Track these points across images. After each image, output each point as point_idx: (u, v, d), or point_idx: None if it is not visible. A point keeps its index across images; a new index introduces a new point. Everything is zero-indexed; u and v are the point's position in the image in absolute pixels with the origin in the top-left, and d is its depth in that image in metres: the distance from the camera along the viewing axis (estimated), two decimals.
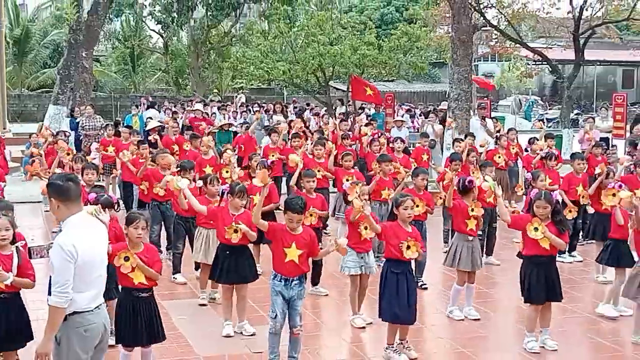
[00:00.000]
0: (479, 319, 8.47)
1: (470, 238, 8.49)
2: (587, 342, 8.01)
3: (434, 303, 9.32)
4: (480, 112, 18.01)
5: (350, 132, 15.92)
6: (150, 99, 28.92)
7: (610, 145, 17.08)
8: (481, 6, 25.15)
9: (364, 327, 8.16)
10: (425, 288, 9.53)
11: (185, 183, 8.20)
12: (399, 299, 7.11)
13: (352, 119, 20.42)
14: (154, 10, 40.15)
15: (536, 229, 7.27)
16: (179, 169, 9.69)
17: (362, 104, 26.26)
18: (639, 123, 16.30)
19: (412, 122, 26.27)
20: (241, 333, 7.87)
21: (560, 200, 11.00)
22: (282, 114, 21.50)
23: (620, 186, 8.35)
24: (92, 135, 18.52)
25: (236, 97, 29.85)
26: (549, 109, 39.26)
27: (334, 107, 25.78)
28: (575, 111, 33.51)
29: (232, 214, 7.84)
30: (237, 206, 7.89)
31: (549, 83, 47.44)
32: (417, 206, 8.32)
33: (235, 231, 7.61)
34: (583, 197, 10.88)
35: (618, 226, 8.56)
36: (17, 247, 6.06)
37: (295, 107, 27.49)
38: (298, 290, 6.82)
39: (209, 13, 38.79)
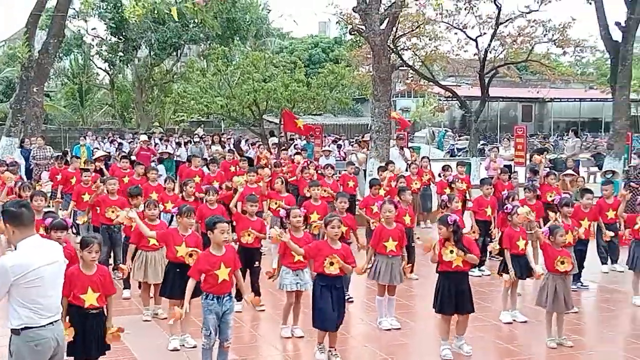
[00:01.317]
0: (400, 329, 8.50)
1: (390, 256, 8.44)
2: (494, 346, 8.12)
3: (358, 314, 9.31)
4: (398, 143, 18.24)
5: (281, 161, 16.01)
6: (142, 134, 28.21)
7: (513, 171, 17.46)
8: (398, 48, 25.54)
9: (290, 337, 8.14)
10: (352, 301, 9.45)
11: (133, 214, 8.13)
12: (325, 309, 7.15)
13: (276, 149, 20.52)
14: (101, 49, 39.67)
15: (451, 251, 7.33)
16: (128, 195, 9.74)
17: (292, 135, 26.29)
18: (537, 153, 16.73)
19: (339, 151, 26.44)
20: (183, 345, 7.72)
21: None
22: (220, 145, 21.37)
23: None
24: (42, 164, 18.19)
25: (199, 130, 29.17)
26: (459, 140, 40.00)
27: (267, 138, 25.75)
28: (482, 142, 34.20)
29: (182, 234, 7.81)
30: (186, 226, 7.85)
31: (458, 117, 48.36)
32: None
33: (191, 255, 7.47)
34: (494, 217, 11.13)
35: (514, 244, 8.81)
36: None
37: (229, 138, 27.32)
38: (229, 305, 6.76)
39: (152, 53, 38.50)
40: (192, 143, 22.58)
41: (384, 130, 17.23)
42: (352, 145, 24.34)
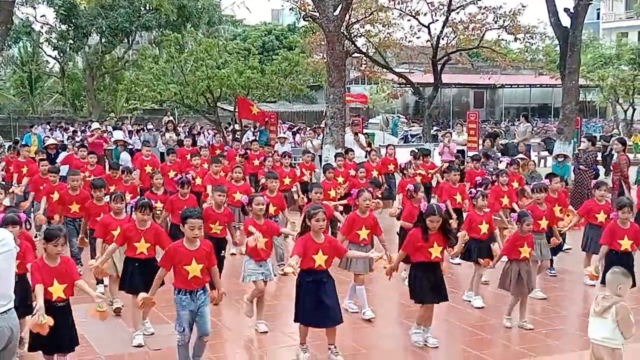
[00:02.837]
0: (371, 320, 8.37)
1: (362, 245, 8.24)
2: (460, 329, 8.20)
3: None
4: (353, 129, 18.26)
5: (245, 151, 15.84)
6: (96, 122, 27.65)
7: (466, 156, 17.63)
8: (352, 35, 25.56)
9: (256, 330, 7.96)
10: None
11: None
12: (308, 302, 6.86)
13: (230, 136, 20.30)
14: (51, 37, 38.88)
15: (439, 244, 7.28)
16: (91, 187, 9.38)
17: (246, 123, 26.13)
18: (489, 138, 16.93)
19: (294, 138, 26.38)
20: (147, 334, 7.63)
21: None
22: (174, 132, 21.15)
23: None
24: None
25: (166, 117, 28.60)
26: (412, 126, 40.27)
27: (222, 126, 25.57)
28: (435, 127, 34.46)
29: (140, 229, 7.53)
30: (142, 220, 7.53)
31: (411, 103, 48.72)
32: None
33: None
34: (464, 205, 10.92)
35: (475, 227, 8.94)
36: None
37: (184, 126, 27.06)
38: (204, 298, 6.49)
39: (103, 40, 37.87)
40: (146, 131, 22.30)
41: (338, 117, 17.23)
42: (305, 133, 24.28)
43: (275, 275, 8.63)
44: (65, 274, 6.04)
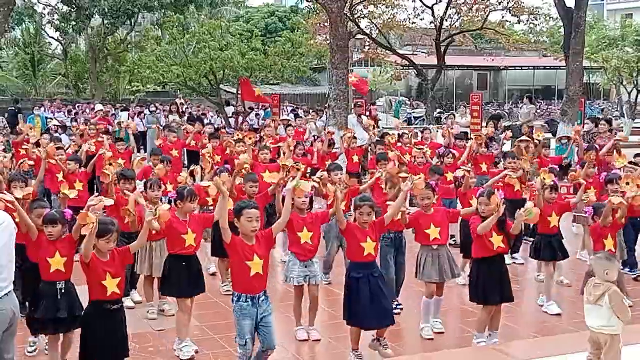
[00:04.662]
0: (443, 333, 7.33)
1: (435, 247, 7.15)
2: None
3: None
4: (357, 110, 18.22)
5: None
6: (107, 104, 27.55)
7: (469, 138, 17.57)
8: (355, 16, 25.47)
9: (306, 340, 7.08)
10: (400, 309, 7.89)
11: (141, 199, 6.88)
12: (362, 302, 6.23)
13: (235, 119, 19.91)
14: (53, 19, 38.77)
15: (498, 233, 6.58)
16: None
17: (250, 105, 26.10)
18: (492, 120, 16.87)
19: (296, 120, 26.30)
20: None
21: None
22: (177, 114, 21.11)
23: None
24: None
25: (178, 99, 28.44)
26: (415, 109, 40.15)
27: (224, 108, 25.55)
28: (438, 110, 34.38)
29: (184, 220, 6.79)
30: (189, 211, 6.87)
31: (415, 85, 48.51)
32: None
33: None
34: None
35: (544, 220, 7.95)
36: None
37: (187, 108, 26.91)
38: (266, 306, 5.73)
39: (105, 21, 37.75)
40: (149, 113, 22.27)
41: (342, 98, 17.20)
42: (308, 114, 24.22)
43: (325, 280, 8.22)
44: (118, 268, 5.59)
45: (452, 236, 9.94)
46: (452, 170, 10.22)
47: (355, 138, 13.46)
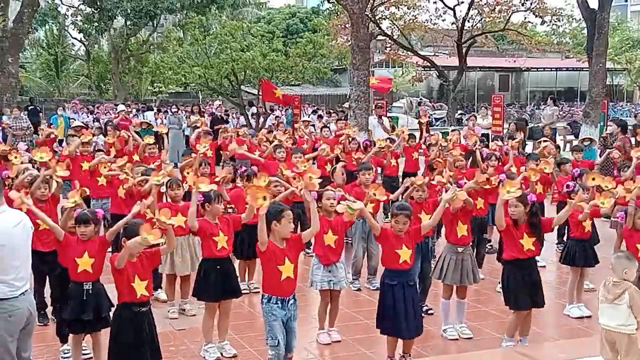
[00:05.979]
0: (471, 338, 7.21)
1: (460, 249, 7.11)
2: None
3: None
4: (377, 112, 18.21)
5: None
6: (131, 104, 27.73)
7: (490, 139, 17.47)
8: (377, 17, 25.44)
9: (329, 344, 7.03)
10: (431, 313, 7.83)
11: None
12: (397, 310, 6.13)
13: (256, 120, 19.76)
14: (76, 19, 39.15)
15: (508, 191, 6.25)
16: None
17: (271, 106, 26.16)
18: (518, 125, 16.45)
19: (319, 122, 26.32)
20: (221, 354, 6.75)
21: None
22: (199, 115, 21.16)
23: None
24: (19, 135, 17.94)
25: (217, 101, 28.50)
26: (437, 110, 39.97)
27: (246, 109, 25.63)
28: (459, 111, 34.24)
29: (215, 222, 6.68)
30: (218, 213, 6.73)
31: (436, 86, 48.35)
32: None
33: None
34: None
35: (576, 225, 7.81)
36: None
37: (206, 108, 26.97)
38: (294, 310, 5.78)
39: (128, 22, 38.05)
40: (170, 113, 22.38)
41: (362, 99, 17.21)
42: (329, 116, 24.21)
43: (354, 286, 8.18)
44: (146, 269, 5.56)
45: (489, 240, 9.88)
46: (498, 172, 10.01)
47: (413, 136, 12.92)
